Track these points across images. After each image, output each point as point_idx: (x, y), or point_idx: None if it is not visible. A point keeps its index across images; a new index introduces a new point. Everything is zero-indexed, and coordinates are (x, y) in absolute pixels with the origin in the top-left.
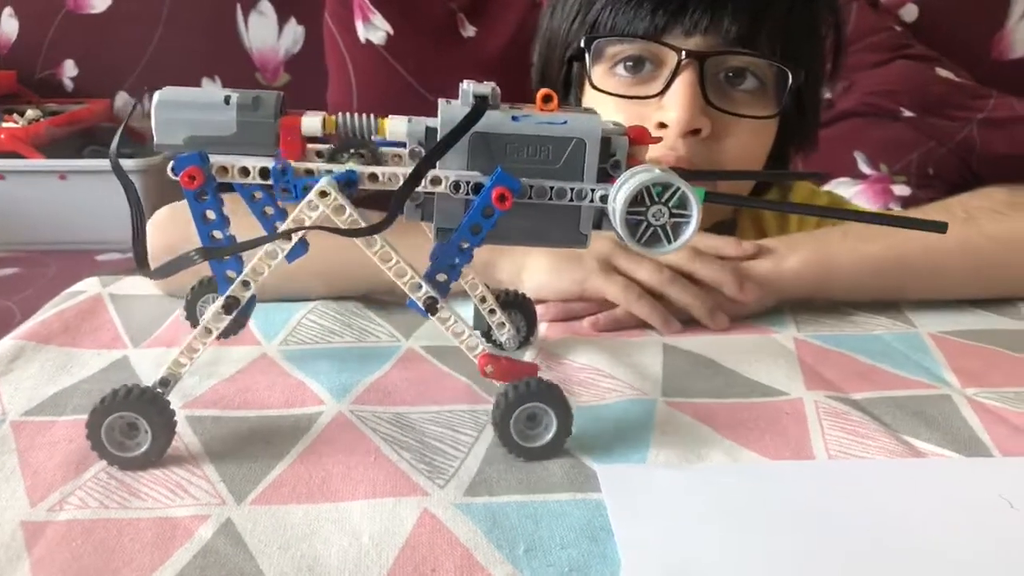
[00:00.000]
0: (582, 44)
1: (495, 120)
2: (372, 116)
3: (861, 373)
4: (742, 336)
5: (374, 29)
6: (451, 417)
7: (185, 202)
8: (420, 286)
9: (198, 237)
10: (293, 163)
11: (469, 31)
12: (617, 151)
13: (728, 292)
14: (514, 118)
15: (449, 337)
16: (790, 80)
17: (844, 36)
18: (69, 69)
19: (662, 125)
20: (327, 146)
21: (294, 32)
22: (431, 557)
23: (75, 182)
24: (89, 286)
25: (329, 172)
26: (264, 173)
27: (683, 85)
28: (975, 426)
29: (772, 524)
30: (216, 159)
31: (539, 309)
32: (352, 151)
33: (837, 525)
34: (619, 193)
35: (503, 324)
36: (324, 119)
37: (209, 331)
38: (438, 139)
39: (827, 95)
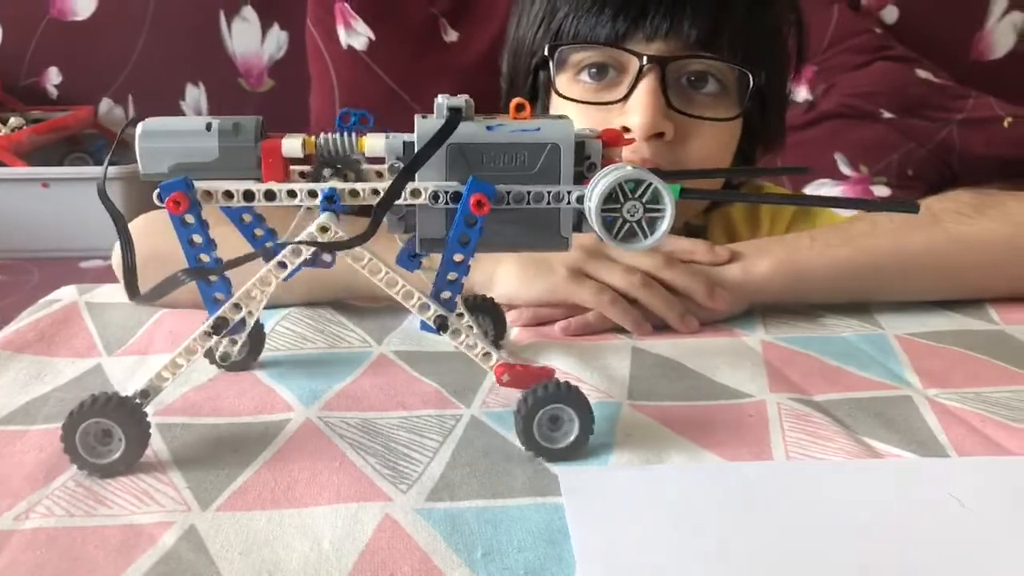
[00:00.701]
0: (546, 52)
1: (470, 131)
2: (351, 135)
3: (825, 375)
4: (711, 339)
5: (356, 35)
6: (419, 422)
7: (158, 212)
8: (428, 306)
9: (177, 243)
10: (276, 184)
11: (451, 36)
12: (592, 154)
13: (699, 299)
14: (488, 128)
15: (462, 350)
16: (751, 82)
17: (805, 34)
18: (53, 76)
19: (626, 129)
20: (309, 167)
21: (278, 38)
22: (390, 561)
23: (58, 189)
24: (65, 294)
25: (312, 194)
26: (248, 196)
27: (645, 90)
28: (933, 427)
29: (726, 524)
30: (200, 184)
31: (510, 315)
32: (333, 169)
33: (790, 525)
34: (594, 192)
35: (471, 327)
36: (304, 140)
37: (193, 351)
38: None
39: (808, 97)
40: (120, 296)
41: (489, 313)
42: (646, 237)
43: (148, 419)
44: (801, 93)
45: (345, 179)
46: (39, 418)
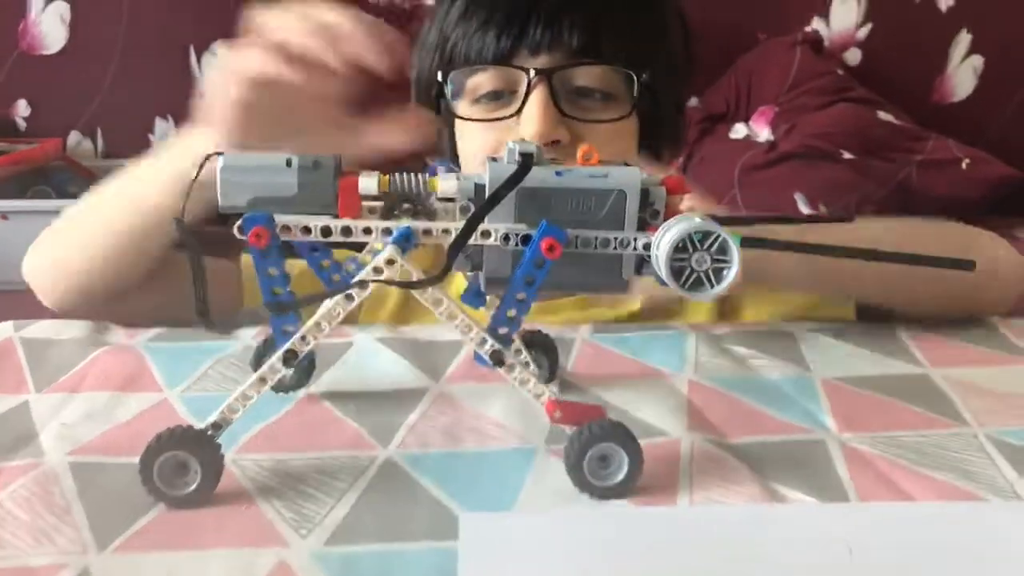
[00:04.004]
0: (439, 78)
1: (540, 175)
2: (423, 175)
3: (745, 417)
4: (638, 379)
5: None
6: (332, 463)
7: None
8: (485, 340)
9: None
10: (352, 221)
11: None
12: (656, 201)
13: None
14: (557, 173)
15: (515, 385)
16: (636, 82)
17: (689, 30)
18: (22, 109)
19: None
20: (379, 203)
21: None
22: None
23: (18, 222)
24: (0, 330)
25: (387, 231)
26: (325, 231)
27: (536, 101)
28: (841, 472)
29: (621, 571)
30: (279, 218)
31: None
32: (404, 206)
33: (683, 573)
34: (663, 241)
35: (527, 364)
36: (379, 179)
37: (264, 380)
38: (486, 195)
39: (769, 137)
40: (57, 332)
41: (543, 348)
42: (712, 286)
43: (221, 450)
44: (763, 133)
45: (416, 216)
46: None
